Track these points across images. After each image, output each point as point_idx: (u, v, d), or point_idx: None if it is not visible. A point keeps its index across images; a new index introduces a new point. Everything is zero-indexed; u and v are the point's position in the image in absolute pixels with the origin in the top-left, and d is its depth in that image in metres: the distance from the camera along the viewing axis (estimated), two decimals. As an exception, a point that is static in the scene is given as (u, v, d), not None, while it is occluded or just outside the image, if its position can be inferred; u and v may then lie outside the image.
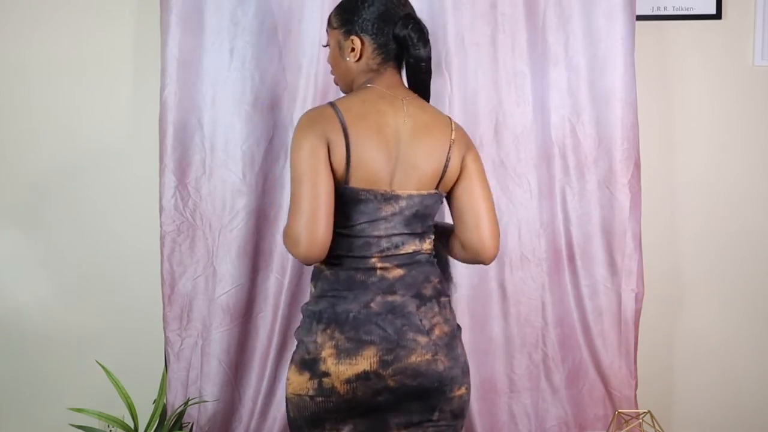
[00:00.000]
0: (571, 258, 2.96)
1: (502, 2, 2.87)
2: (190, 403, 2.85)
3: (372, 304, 2.02)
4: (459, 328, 2.16)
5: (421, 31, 2.10)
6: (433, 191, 2.10)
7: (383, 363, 2.00)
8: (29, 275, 3.08)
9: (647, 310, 2.99)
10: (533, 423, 2.98)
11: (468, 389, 2.12)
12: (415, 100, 2.13)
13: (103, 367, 2.77)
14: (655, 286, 3.05)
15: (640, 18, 2.95)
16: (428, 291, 2.09)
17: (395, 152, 2.05)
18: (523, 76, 2.90)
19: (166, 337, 2.90)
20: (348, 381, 2.00)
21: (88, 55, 3.01)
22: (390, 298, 2.04)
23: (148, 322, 3.02)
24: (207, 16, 2.84)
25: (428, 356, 2.03)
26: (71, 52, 3.01)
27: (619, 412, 2.88)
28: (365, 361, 2.00)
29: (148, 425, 2.77)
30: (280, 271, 2.89)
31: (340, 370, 1.99)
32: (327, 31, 2.19)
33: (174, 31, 2.81)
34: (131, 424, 2.76)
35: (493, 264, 2.91)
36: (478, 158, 2.15)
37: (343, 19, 2.15)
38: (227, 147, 2.87)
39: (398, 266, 2.06)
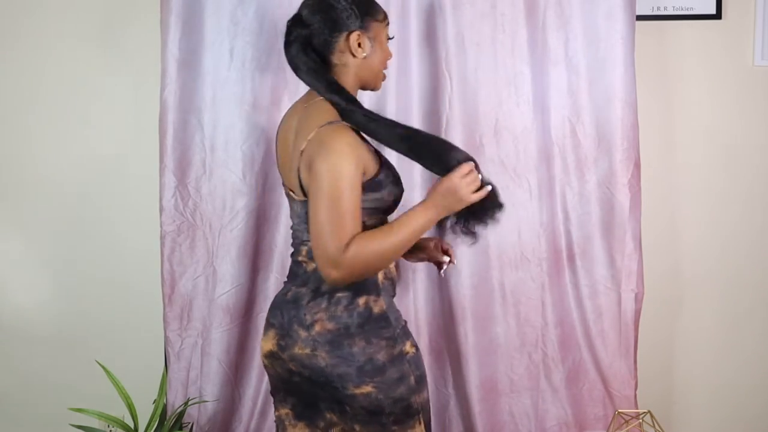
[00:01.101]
0: (571, 258, 2.96)
1: (502, 2, 2.87)
2: (190, 403, 2.85)
3: (288, 293, 2.19)
4: (363, 324, 2.11)
5: (285, 32, 2.16)
6: (304, 198, 2.12)
7: (280, 347, 2.16)
8: (30, 275, 3.08)
9: (647, 310, 2.99)
10: (533, 423, 2.98)
11: (378, 388, 2.09)
12: (314, 105, 2.14)
13: (103, 367, 2.77)
14: (655, 286, 3.05)
15: (640, 18, 2.95)
16: (326, 286, 2.13)
17: (288, 158, 2.17)
18: (523, 76, 2.89)
19: (166, 337, 2.90)
20: (265, 356, 2.21)
21: (87, 55, 3.01)
22: (298, 289, 2.16)
23: (148, 322, 3.03)
24: (207, 16, 2.83)
25: (308, 350, 2.12)
26: (71, 53, 3.00)
27: (619, 412, 2.88)
28: (269, 342, 2.19)
29: (148, 425, 2.77)
30: (281, 270, 2.89)
31: (261, 345, 2.23)
32: None
33: (174, 31, 2.81)
34: (131, 424, 2.76)
35: (493, 264, 2.92)
36: (327, 172, 2.01)
37: None
38: (227, 147, 2.87)
39: (312, 260, 2.15)
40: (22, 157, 3.04)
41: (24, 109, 3.03)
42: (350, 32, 2.13)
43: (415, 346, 2.21)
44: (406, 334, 2.20)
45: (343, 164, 2.02)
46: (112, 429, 2.85)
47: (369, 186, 2.11)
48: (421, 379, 2.19)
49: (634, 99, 2.89)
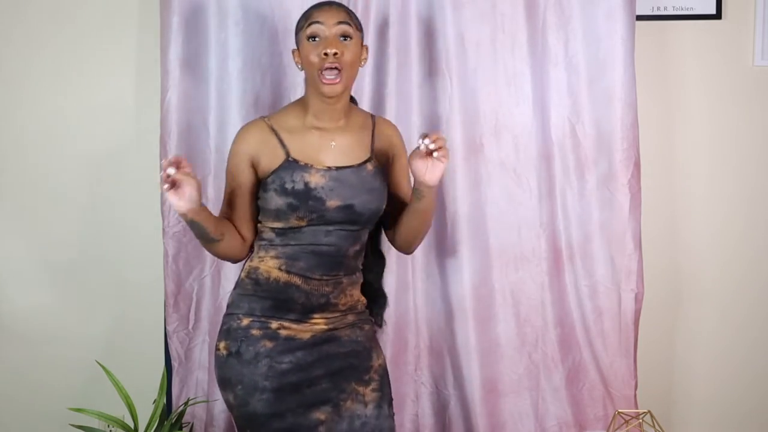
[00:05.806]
0: (571, 258, 2.96)
1: (502, 2, 2.87)
2: (190, 403, 2.85)
3: None
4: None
5: None
6: None
7: None
8: (30, 275, 3.08)
9: (647, 310, 2.98)
10: (533, 423, 2.98)
11: None
12: None
13: (103, 367, 2.77)
14: (655, 286, 3.05)
15: (640, 18, 2.95)
16: None
17: None
18: (523, 76, 2.89)
19: (169, 337, 2.90)
20: None
21: (90, 57, 3.01)
22: None
23: (148, 322, 3.03)
24: (208, 16, 2.83)
25: None
26: (73, 54, 3.00)
27: (619, 412, 2.88)
28: None
29: (148, 425, 2.77)
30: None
31: None
32: (350, 25, 2.25)
33: (175, 32, 2.81)
34: (131, 424, 2.76)
35: (493, 264, 2.92)
36: None
37: (360, 26, 2.32)
38: (228, 147, 2.87)
39: None
40: (23, 158, 3.04)
41: (27, 110, 3.02)
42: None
43: (228, 349, 2.30)
44: (227, 334, 2.31)
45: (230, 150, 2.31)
46: (112, 429, 2.84)
47: (262, 184, 2.23)
48: (221, 382, 2.33)
49: (634, 99, 2.89)
